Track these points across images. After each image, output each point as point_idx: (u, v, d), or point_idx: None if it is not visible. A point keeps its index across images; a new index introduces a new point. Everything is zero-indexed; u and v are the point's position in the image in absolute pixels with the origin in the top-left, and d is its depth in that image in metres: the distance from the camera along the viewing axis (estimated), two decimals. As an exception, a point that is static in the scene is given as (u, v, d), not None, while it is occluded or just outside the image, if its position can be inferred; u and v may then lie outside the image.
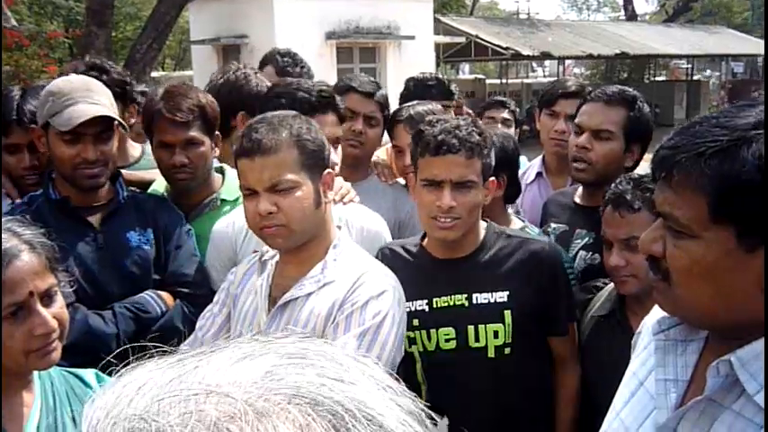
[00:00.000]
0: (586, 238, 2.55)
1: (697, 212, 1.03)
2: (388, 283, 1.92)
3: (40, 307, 1.48)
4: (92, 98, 2.24)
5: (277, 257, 2.03)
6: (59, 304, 1.54)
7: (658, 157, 1.09)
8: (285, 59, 3.57)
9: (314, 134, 1.91)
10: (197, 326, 2.10)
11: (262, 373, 0.48)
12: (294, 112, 1.97)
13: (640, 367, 1.30)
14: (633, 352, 1.38)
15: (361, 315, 1.85)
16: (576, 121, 2.62)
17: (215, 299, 2.11)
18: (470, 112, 3.88)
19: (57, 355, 1.52)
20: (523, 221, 2.59)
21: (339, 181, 2.48)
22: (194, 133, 2.48)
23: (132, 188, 2.50)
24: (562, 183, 3.06)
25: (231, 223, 2.38)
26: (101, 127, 2.23)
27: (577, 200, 2.68)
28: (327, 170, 1.94)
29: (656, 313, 1.26)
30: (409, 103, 2.92)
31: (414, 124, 2.48)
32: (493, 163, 2.16)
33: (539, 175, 3.18)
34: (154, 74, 16.77)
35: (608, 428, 1.32)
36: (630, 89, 2.65)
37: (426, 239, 2.23)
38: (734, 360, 1.04)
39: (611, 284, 2.24)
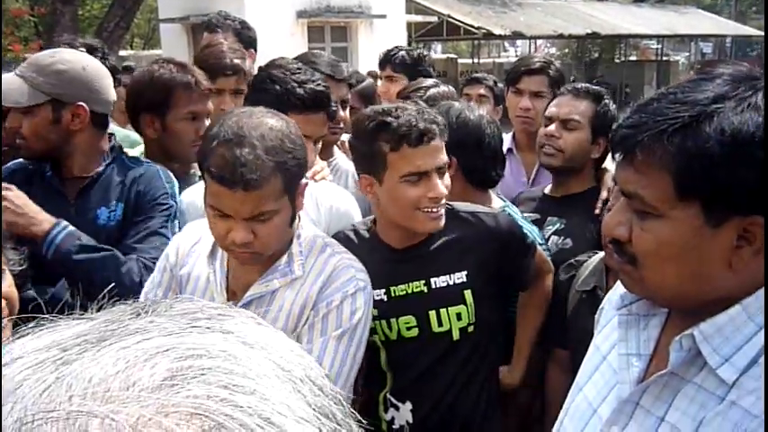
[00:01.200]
0: (558, 224, 2.62)
1: (662, 191, 1.03)
2: (361, 280, 1.88)
3: None
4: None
5: None
6: (8, 283, 1.52)
7: (618, 136, 1.08)
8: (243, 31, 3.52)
9: (297, 150, 1.73)
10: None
11: (159, 379, 0.42)
12: (280, 123, 1.74)
13: (603, 342, 1.32)
14: (596, 327, 1.40)
15: (338, 317, 1.81)
16: (546, 113, 2.71)
17: (154, 279, 1.99)
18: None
19: (8, 333, 1.51)
20: (504, 201, 2.60)
21: (318, 164, 2.48)
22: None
23: (133, 157, 2.45)
24: (532, 159, 3.08)
25: (193, 199, 2.32)
26: None
27: (547, 191, 2.77)
28: (304, 180, 1.83)
29: (620, 288, 1.28)
30: (422, 84, 3.00)
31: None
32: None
33: (509, 151, 3.20)
34: (122, 53, 16.53)
35: (571, 404, 1.34)
36: (598, 87, 2.77)
37: (379, 227, 2.14)
38: (696, 334, 1.06)
39: (594, 258, 2.28)
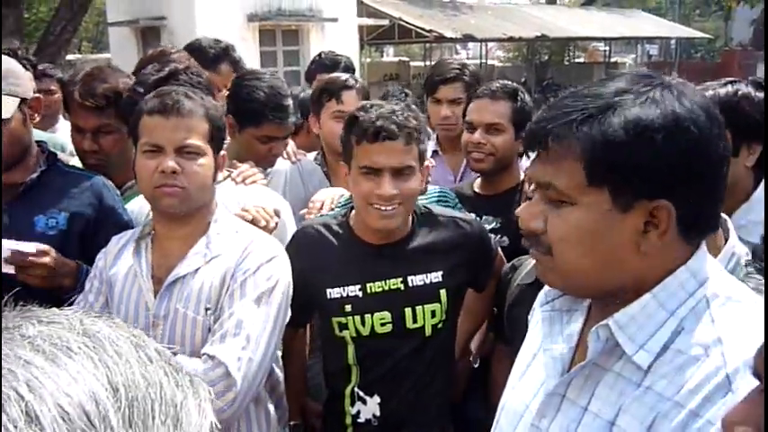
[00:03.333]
0: (494, 223, 2.70)
1: (573, 178, 1.09)
2: (276, 249, 2.01)
3: None
4: None
5: (150, 236, 2.04)
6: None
7: (530, 131, 1.15)
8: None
9: (221, 115, 2.03)
10: None
11: None
12: (205, 90, 2.06)
13: (533, 341, 1.37)
14: (528, 327, 1.46)
15: (255, 280, 1.92)
16: (467, 119, 2.80)
17: (86, 287, 2.08)
18: None
19: None
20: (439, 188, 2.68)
21: (245, 165, 2.52)
22: (107, 120, 2.44)
23: (70, 165, 2.41)
24: (456, 159, 3.22)
25: (141, 205, 2.38)
26: None
27: (477, 190, 2.83)
28: (223, 152, 2.03)
29: (545, 287, 1.34)
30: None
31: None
32: (426, 148, 2.17)
33: (434, 153, 3.28)
34: (69, 57, 16.22)
35: (506, 402, 1.38)
36: (510, 82, 2.87)
37: (355, 222, 2.20)
38: (612, 324, 1.12)
39: None
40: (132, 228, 2.25)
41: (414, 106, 2.21)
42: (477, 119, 2.73)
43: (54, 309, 0.52)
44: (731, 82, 2.04)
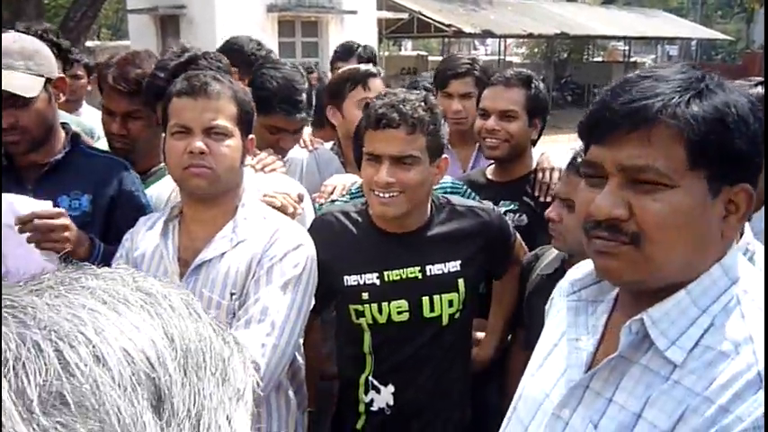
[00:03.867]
0: (511, 206, 2.73)
1: (676, 160, 1.06)
2: (303, 237, 2.03)
3: None
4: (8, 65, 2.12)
5: (178, 218, 2.05)
6: None
7: (625, 110, 1.08)
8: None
9: (249, 99, 2.03)
10: None
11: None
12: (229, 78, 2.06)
13: (554, 330, 1.36)
14: (547, 317, 1.44)
15: (282, 267, 1.92)
16: (481, 105, 2.81)
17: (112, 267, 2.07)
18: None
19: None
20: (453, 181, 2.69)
21: (264, 153, 2.53)
22: (137, 105, 2.45)
23: (92, 147, 2.42)
24: (466, 153, 3.23)
25: (160, 192, 2.41)
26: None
27: (491, 176, 2.84)
28: (251, 136, 2.03)
29: (569, 277, 1.33)
30: None
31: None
32: (444, 140, 2.15)
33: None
34: (89, 43, 16.32)
35: (524, 390, 1.37)
36: (525, 70, 2.89)
37: (372, 211, 2.21)
38: (646, 318, 1.11)
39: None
40: (150, 212, 2.25)
41: (433, 98, 2.19)
42: (491, 105, 2.75)
43: (105, 267, 0.54)
44: (761, 83, 2.03)
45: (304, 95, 2.71)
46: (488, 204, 2.39)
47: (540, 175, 2.72)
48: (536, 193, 2.68)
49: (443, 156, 2.15)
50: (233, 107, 1.95)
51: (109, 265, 2.03)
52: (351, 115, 2.90)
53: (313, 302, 2.03)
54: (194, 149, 1.88)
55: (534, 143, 2.84)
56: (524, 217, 2.69)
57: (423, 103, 2.06)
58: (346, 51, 4.27)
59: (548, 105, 2.87)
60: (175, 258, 1.99)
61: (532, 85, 2.73)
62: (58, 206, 2.20)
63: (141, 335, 0.47)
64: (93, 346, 0.44)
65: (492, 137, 2.72)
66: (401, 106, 2.02)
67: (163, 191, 2.40)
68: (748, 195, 1.09)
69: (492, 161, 2.84)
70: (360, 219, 2.21)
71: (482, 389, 2.51)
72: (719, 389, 1.03)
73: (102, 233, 2.24)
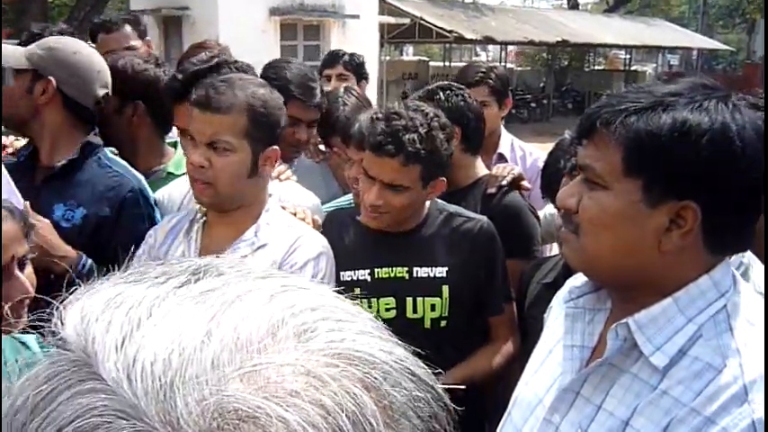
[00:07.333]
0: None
1: (612, 164, 1.14)
2: (323, 246, 2.02)
3: (18, 271, 1.50)
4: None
5: (203, 219, 2.04)
6: (30, 269, 1.56)
7: (585, 115, 1.20)
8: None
9: (271, 108, 1.94)
10: None
11: (292, 328, 0.41)
12: (267, 90, 1.97)
13: (550, 337, 1.39)
14: (545, 325, 1.47)
15: (302, 276, 1.91)
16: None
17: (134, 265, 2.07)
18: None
19: (25, 318, 1.53)
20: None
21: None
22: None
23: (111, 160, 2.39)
24: (486, 162, 3.19)
25: (169, 193, 2.40)
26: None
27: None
28: (273, 147, 1.96)
29: (569, 285, 1.36)
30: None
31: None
32: (445, 159, 2.14)
33: None
34: (91, 43, 16.30)
35: (519, 395, 1.40)
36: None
37: (361, 218, 2.27)
38: (631, 323, 1.14)
39: (558, 254, 2.35)
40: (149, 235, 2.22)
41: (443, 119, 2.14)
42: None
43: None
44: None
45: (318, 86, 2.71)
46: (483, 217, 2.37)
47: (496, 169, 2.75)
48: (491, 190, 2.62)
49: (440, 179, 2.15)
50: (242, 120, 1.88)
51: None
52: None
53: None
54: (194, 162, 1.90)
55: (471, 152, 2.73)
56: None
57: (428, 128, 2.05)
58: (332, 59, 4.27)
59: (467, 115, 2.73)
60: None
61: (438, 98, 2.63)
62: (53, 212, 2.21)
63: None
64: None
65: None
66: (401, 135, 2.01)
67: (174, 192, 2.39)
68: (694, 214, 1.10)
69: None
70: (358, 217, 2.27)
71: (480, 395, 2.50)
72: (706, 400, 1.06)
73: (93, 249, 2.20)
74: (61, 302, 0.44)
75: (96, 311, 0.41)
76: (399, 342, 0.49)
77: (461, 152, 2.69)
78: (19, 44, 2.91)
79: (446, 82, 2.79)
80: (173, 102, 2.32)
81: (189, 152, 1.95)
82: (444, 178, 2.19)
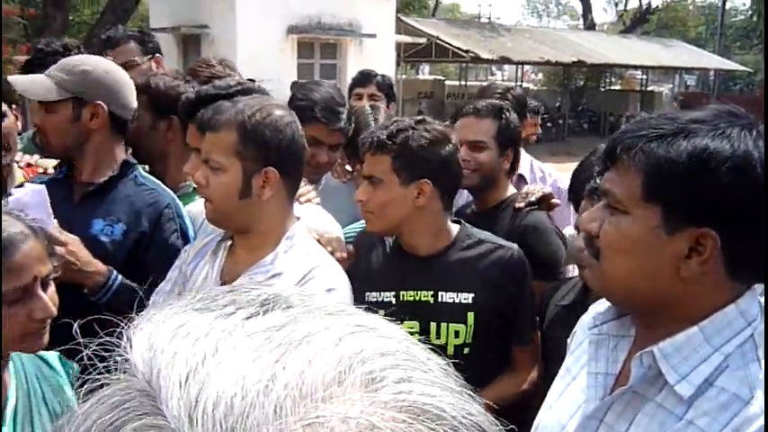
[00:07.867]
0: None
1: (631, 190, 1.14)
2: (339, 280, 1.95)
3: (41, 291, 1.50)
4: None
5: (230, 242, 2.04)
6: (53, 289, 1.56)
7: (609, 140, 1.22)
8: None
9: (265, 127, 1.85)
10: (150, 302, 2.02)
11: (359, 376, 0.40)
12: (281, 104, 2.00)
13: (574, 364, 1.38)
14: (568, 350, 1.46)
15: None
16: None
17: (167, 276, 2.10)
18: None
19: (47, 337, 1.54)
20: None
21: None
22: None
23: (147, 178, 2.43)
24: None
25: (201, 209, 2.41)
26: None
27: (474, 207, 2.86)
28: (271, 168, 1.87)
29: (592, 311, 1.35)
30: None
31: None
32: (417, 158, 2.11)
33: None
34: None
35: (541, 421, 1.39)
36: (497, 101, 2.91)
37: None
38: (656, 351, 1.13)
39: (577, 275, 2.33)
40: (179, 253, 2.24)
41: (438, 126, 2.18)
42: (461, 136, 2.70)
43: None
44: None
45: (344, 110, 2.69)
46: (514, 245, 2.31)
47: (526, 189, 2.80)
48: (519, 205, 2.66)
49: (424, 180, 2.11)
50: (231, 137, 1.84)
51: (131, 299, 2.09)
52: None
53: None
54: (194, 180, 1.96)
55: (510, 173, 2.83)
56: None
57: (405, 128, 2.10)
58: (365, 78, 4.32)
59: (518, 135, 2.87)
60: (218, 280, 1.99)
61: (503, 117, 2.74)
62: (91, 227, 2.26)
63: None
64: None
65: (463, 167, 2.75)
66: (377, 130, 2.14)
67: (194, 209, 2.41)
68: (713, 241, 1.10)
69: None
70: (390, 240, 2.29)
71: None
72: None
73: (128, 265, 2.24)
74: (127, 323, 0.44)
75: (163, 341, 0.41)
76: (472, 394, 0.46)
77: (505, 174, 2.80)
78: (27, 63, 2.96)
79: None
80: (185, 121, 2.35)
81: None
82: (429, 180, 2.13)
